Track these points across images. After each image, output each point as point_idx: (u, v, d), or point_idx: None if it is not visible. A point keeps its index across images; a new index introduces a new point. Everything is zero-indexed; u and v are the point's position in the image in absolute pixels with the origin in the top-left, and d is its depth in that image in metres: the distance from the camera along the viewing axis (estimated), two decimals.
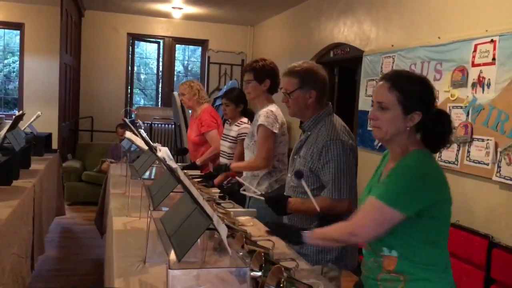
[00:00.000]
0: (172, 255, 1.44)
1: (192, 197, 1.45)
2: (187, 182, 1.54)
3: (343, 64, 5.93)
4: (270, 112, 2.89)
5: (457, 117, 3.49)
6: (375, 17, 4.83)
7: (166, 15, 8.22)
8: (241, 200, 3.06)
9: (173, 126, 8.51)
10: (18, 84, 8.51)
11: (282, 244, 2.23)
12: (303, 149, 2.33)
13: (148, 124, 8.52)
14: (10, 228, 2.46)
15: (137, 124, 3.31)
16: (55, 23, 6.54)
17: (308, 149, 2.29)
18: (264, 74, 2.96)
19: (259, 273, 1.65)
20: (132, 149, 3.48)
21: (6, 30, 9.08)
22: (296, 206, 2.25)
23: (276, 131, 2.86)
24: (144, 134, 2.69)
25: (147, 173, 2.97)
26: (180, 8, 7.62)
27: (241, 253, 1.73)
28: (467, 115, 3.40)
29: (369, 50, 4.82)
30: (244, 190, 2.84)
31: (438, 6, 3.88)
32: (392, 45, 4.42)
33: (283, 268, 1.54)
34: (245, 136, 3.38)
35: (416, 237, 1.66)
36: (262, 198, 2.40)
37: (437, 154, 3.65)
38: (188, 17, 8.29)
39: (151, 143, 2.51)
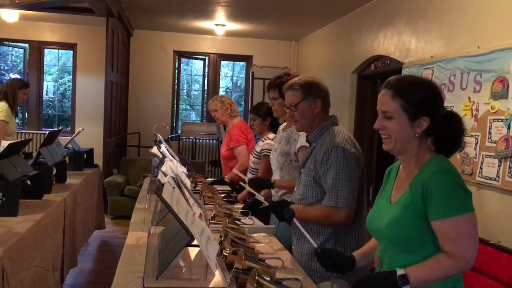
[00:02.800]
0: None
1: (173, 214, 1.41)
2: (175, 199, 1.50)
3: (384, 77, 5.75)
4: None
5: (498, 131, 3.27)
6: (414, 28, 4.66)
7: (210, 32, 8.35)
8: (265, 217, 2.99)
9: (216, 141, 8.58)
10: (71, 101, 8.90)
11: (293, 263, 2.15)
12: (309, 160, 2.31)
13: (192, 140, 8.64)
14: (30, 241, 2.51)
15: (157, 140, 3.33)
16: (103, 42, 6.79)
17: (312, 159, 2.27)
18: None
19: None
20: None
21: (62, 51, 9.55)
22: (296, 213, 2.19)
23: None
24: (163, 149, 2.70)
25: None
26: (223, 25, 7.70)
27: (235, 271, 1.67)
28: (508, 129, 3.18)
29: (408, 62, 4.65)
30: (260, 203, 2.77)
31: (478, 15, 3.68)
32: (432, 56, 4.23)
33: None
34: (267, 152, 3.32)
35: (433, 250, 1.56)
36: (266, 204, 2.43)
37: (477, 171, 3.44)
38: (231, 34, 8.37)
39: (168, 156, 2.51)
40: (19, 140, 4.16)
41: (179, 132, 9.04)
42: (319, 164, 2.20)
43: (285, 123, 3.08)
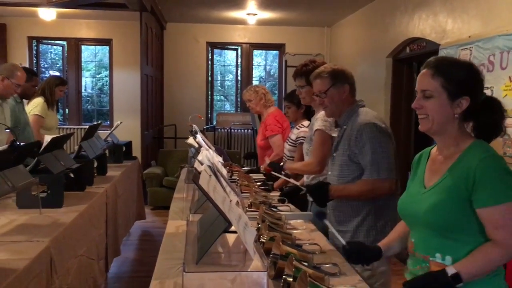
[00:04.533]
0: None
1: (211, 201, 1.44)
2: (212, 186, 1.53)
3: (420, 59, 5.64)
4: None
5: None
6: (450, 8, 4.53)
7: (242, 22, 8.35)
8: (302, 204, 3.00)
9: (251, 131, 8.61)
10: (108, 96, 9.11)
11: (331, 248, 2.15)
12: (341, 143, 2.39)
13: (227, 130, 8.70)
14: (76, 231, 2.61)
15: (193, 130, 3.37)
16: (137, 37, 6.91)
17: (345, 141, 2.35)
18: None
19: (291, 278, 1.60)
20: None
21: (99, 47, 9.77)
22: (337, 192, 2.31)
23: (335, 134, 2.79)
24: (199, 139, 2.74)
25: None
26: (255, 14, 7.69)
27: (275, 257, 1.69)
28: None
29: (445, 43, 4.53)
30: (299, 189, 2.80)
31: None
32: (469, 36, 4.11)
33: (308, 274, 1.47)
34: (302, 140, 3.32)
35: (477, 237, 1.53)
36: (303, 189, 2.47)
37: None
38: (263, 22, 8.35)
39: (204, 146, 2.55)
40: (61, 134, 4.30)
41: (214, 122, 9.13)
42: (353, 143, 2.29)
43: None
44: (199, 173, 1.53)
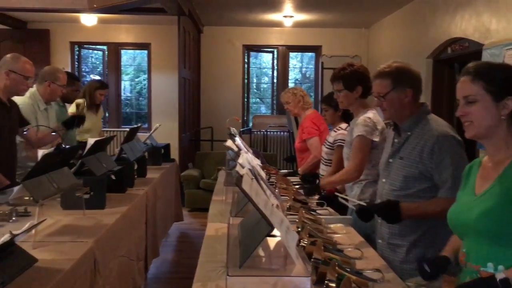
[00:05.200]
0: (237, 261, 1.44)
1: (254, 205, 1.44)
2: (254, 189, 1.53)
3: (462, 60, 5.49)
4: (368, 120, 2.77)
5: None
6: (495, 7, 4.40)
7: (278, 24, 8.36)
8: (340, 207, 2.97)
9: (287, 133, 8.59)
10: (147, 99, 9.28)
11: (373, 254, 2.12)
12: (404, 151, 2.20)
13: (263, 132, 8.71)
14: (118, 233, 2.66)
15: (231, 133, 3.39)
16: (175, 41, 7.01)
17: (412, 150, 2.16)
18: (354, 80, 2.84)
19: (334, 284, 1.58)
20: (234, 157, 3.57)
21: (137, 51, 9.97)
22: (410, 212, 2.09)
23: (376, 139, 2.75)
24: (238, 142, 2.75)
25: None
26: (291, 16, 7.68)
27: (316, 262, 1.67)
28: None
29: (489, 43, 4.40)
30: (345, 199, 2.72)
31: None
32: None
33: (351, 280, 1.44)
34: (340, 142, 3.28)
35: None
36: (365, 205, 2.28)
37: None
38: (299, 24, 8.33)
39: (243, 149, 2.55)
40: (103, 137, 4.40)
41: (250, 125, 9.16)
42: (427, 155, 2.09)
43: None
44: (241, 176, 1.53)
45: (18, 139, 3.31)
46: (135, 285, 3.04)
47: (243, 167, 1.74)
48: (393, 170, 2.24)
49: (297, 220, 2.20)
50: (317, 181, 3.12)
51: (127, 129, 8.16)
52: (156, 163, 4.79)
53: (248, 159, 1.93)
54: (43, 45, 8.35)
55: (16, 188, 2.19)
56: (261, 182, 1.91)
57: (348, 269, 1.69)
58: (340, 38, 8.72)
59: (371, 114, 2.82)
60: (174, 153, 6.33)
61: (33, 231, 2.03)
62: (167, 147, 5.40)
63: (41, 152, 2.29)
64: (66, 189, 2.51)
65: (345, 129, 3.45)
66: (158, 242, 4.05)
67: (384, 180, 2.31)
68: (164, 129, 6.39)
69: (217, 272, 1.83)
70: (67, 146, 2.98)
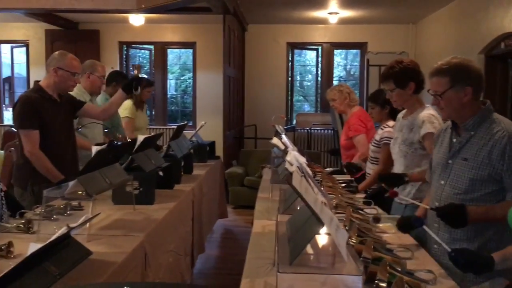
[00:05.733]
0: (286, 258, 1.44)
1: (305, 202, 1.43)
2: (303, 187, 1.52)
3: None
4: (433, 117, 2.69)
5: None
6: None
7: (322, 21, 8.29)
8: (389, 207, 2.92)
9: (331, 131, 8.51)
10: (192, 97, 9.41)
11: (423, 254, 2.07)
12: (467, 151, 2.10)
13: (307, 130, 8.66)
14: (167, 228, 2.71)
15: (278, 130, 3.38)
16: (220, 39, 7.08)
17: (479, 151, 2.06)
18: (406, 77, 2.75)
19: (385, 284, 1.55)
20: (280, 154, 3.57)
21: (183, 50, 10.14)
22: (477, 216, 2.00)
23: None
24: (285, 139, 2.75)
25: None
26: (336, 13, 7.60)
27: (366, 261, 1.65)
28: None
29: None
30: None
31: None
32: None
33: (405, 280, 1.42)
34: (387, 140, 3.22)
35: None
36: (427, 207, 2.21)
37: None
38: (345, 21, 8.23)
39: (289, 147, 2.55)
40: (151, 134, 4.50)
41: (294, 123, 9.13)
42: (498, 157, 2.00)
43: (404, 111, 2.96)
44: (291, 173, 1.53)
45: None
46: (182, 280, 3.09)
47: (291, 165, 1.74)
48: (455, 172, 2.13)
49: (344, 219, 2.18)
50: (364, 173, 3.05)
51: (173, 127, 8.35)
52: (201, 160, 4.85)
53: (296, 157, 1.92)
54: (93, 45, 8.61)
55: (71, 183, 2.27)
56: (309, 179, 1.91)
57: (399, 269, 1.66)
58: (386, 34, 8.55)
59: (432, 111, 2.74)
60: (219, 151, 6.40)
61: (87, 224, 2.10)
62: (212, 144, 5.47)
63: (95, 149, 2.36)
64: (117, 184, 2.59)
65: (392, 127, 3.39)
66: (203, 238, 4.10)
67: (442, 182, 2.19)
68: (209, 127, 6.46)
69: (265, 268, 1.84)
70: (119, 143, 3.06)
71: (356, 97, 4.25)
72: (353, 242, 1.89)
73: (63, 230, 1.67)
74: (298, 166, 1.78)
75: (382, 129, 3.45)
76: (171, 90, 10.38)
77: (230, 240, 5.40)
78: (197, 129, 5.23)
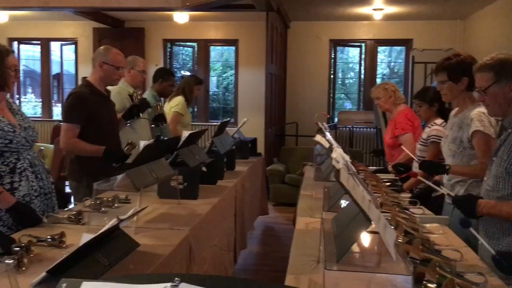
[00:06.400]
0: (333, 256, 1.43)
1: (353, 199, 1.42)
2: (351, 184, 1.51)
3: None
4: (483, 115, 2.62)
5: None
6: None
7: (367, 18, 8.16)
8: (435, 207, 2.85)
9: (374, 130, 8.38)
10: (233, 94, 9.48)
11: (473, 256, 2.01)
12: (501, 148, 2.09)
13: (349, 128, 8.56)
14: (210, 222, 2.75)
15: (322, 128, 3.36)
16: (263, 37, 7.09)
17: (506, 148, 2.04)
18: (460, 71, 2.68)
19: (433, 285, 1.52)
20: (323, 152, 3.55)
21: (225, 47, 10.21)
22: (486, 209, 2.02)
23: (493, 136, 2.60)
24: (329, 137, 2.73)
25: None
26: (381, 9, 7.48)
27: (414, 260, 1.62)
28: None
29: None
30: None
31: None
32: None
33: (456, 281, 1.38)
34: (434, 138, 3.14)
35: None
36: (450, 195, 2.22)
37: None
38: (389, 17, 8.07)
39: (334, 144, 2.53)
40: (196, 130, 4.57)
41: (336, 121, 9.04)
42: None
43: (456, 109, 2.88)
44: (338, 170, 1.51)
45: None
46: (225, 275, 3.12)
47: (337, 162, 1.72)
48: (492, 168, 2.13)
49: (389, 218, 2.14)
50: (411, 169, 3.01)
51: (214, 124, 8.43)
52: (243, 156, 4.88)
53: (341, 154, 1.91)
54: (139, 43, 8.80)
55: (119, 176, 2.33)
56: (354, 177, 1.89)
57: (448, 270, 1.62)
58: (433, 31, 8.34)
59: (483, 108, 2.66)
60: (260, 148, 6.42)
61: (135, 217, 2.15)
62: (254, 141, 5.50)
63: (142, 143, 2.42)
64: (163, 178, 2.64)
65: (440, 125, 3.30)
66: (245, 234, 4.13)
67: (486, 178, 2.20)
68: (250, 124, 6.49)
69: (310, 265, 1.83)
70: (165, 138, 3.11)
71: (402, 95, 4.16)
72: (400, 241, 1.86)
73: (113, 222, 1.72)
74: (344, 164, 1.76)
75: (429, 127, 3.37)
76: (212, 87, 10.48)
77: (271, 237, 5.41)
78: (239, 126, 5.26)
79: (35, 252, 1.82)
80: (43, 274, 1.46)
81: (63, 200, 2.68)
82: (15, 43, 9.52)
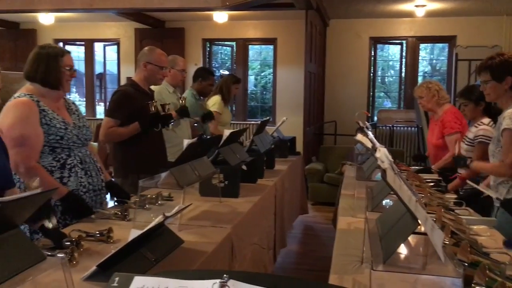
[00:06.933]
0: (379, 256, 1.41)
1: (400, 199, 1.40)
2: (397, 184, 1.49)
3: None
4: None
5: None
6: None
7: (408, 15, 8.00)
8: (481, 208, 2.77)
9: (415, 129, 8.21)
10: (272, 93, 9.48)
11: None
12: None
13: (389, 127, 8.42)
14: (251, 221, 2.76)
15: (364, 127, 3.31)
16: (301, 35, 7.06)
17: None
18: (503, 71, 2.60)
19: None
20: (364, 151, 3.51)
21: (263, 46, 10.22)
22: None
23: None
24: (371, 136, 2.69)
25: (378, 175, 2.96)
26: (424, 6, 7.32)
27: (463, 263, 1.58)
28: None
29: None
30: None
31: None
32: None
33: (507, 285, 1.34)
34: (482, 138, 3.05)
35: None
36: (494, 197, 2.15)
37: None
38: (432, 14, 7.89)
39: (376, 144, 2.50)
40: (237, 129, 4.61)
41: (375, 119, 8.91)
42: None
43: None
44: (384, 170, 1.50)
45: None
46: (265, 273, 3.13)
47: (382, 162, 1.70)
48: None
49: (435, 219, 2.10)
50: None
51: (253, 122, 8.46)
52: (282, 155, 4.88)
53: (386, 154, 1.88)
54: (179, 43, 8.93)
55: (163, 174, 2.38)
56: (400, 177, 1.86)
57: (498, 274, 1.58)
58: (478, 27, 8.09)
59: None
60: (299, 147, 6.39)
61: (179, 214, 2.19)
62: (293, 140, 5.48)
63: (186, 142, 2.46)
64: (205, 177, 2.67)
65: (487, 124, 3.21)
66: (285, 233, 4.13)
67: None
68: (288, 123, 6.49)
69: (353, 265, 1.82)
70: (208, 137, 3.15)
71: (446, 94, 4.05)
72: (446, 243, 1.82)
73: (159, 218, 1.76)
74: (389, 163, 1.74)
75: (476, 126, 3.28)
76: (250, 86, 10.51)
77: (310, 236, 5.39)
78: (278, 124, 5.26)
79: (84, 247, 1.88)
80: (94, 268, 1.51)
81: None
82: (61, 44, 9.83)
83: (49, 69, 2.42)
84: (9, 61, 9.07)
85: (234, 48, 9.50)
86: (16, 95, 2.44)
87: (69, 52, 2.53)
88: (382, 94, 10.86)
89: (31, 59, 2.47)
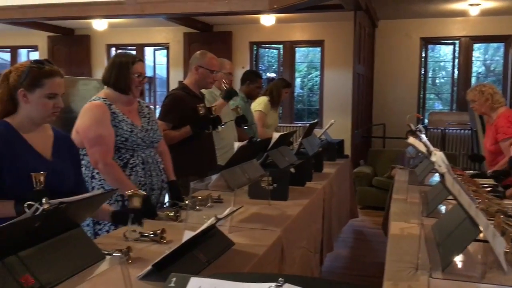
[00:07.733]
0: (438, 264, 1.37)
1: (460, 204, 1.35)
2: (456, 189, 1.44)
3: None
4: None
5: None
6: None
7: (461, 14, 7.75)
8: None
9: (469, 131, 7.93)
10: (319, 95, 9.41)
11: None
12: None
13: (441, 130, 8.18)
14: (300, 224, 2.75)
15: (417, 130, 3.23)
16: (349, 37, 6.98)
17: None
18: None
19: None
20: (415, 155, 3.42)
21: (310, 48, 10.18)
22: None
23: None
24: (425, 139, 2.62)
25: (432, 179, 2.88)
26: (478, 4, 7.07)
27: None
28: None
29: None
30: None
31: None
32: None
33: None
34: None
35: None
36: None
37: None
38: (487, 13, 7.60)
39: (431, 147, 2.42)
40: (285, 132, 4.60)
41: (426, 122, 8.68)
42: None
43: None
44: (442, 175, 1.45)
45: None
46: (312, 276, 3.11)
47: (439, 166, 1.65)
48: None
49: (494, 225, 2.01)
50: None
51: (300, 125, 8.43)
52: (330, 158, 4.82)
53: (442, 158, 1.82)
54: (226, 46, 9.01)
55: (214, 176, 2.40)
56: (458, 183, 1.80)
57: None
58: None
59: None
60: (346, 150, 6.31)
61: (230, 216, 2.20)
62: (341, 143, 5.42)
63: (236, 145, 2.48)
64: (255, 179, 2.68)
65: None
66: (333, 237, 4.08)
67: None
68: (336, 125, 6.41)
69: (407, 272, 1.77)
70: (258, 140, 3.16)
71: (501, 98, 3.87)
72: (506, 251, 1.75)
73: (211, 220, 1.78)
74: (447, 168, 1.68)
75: None
76: (297, 89, 10.48)
77: (358, 241, 5.30)
78: (326, 127, 5.21)
79: (138, 247, 1.92)
80: (149, 267, 1.54)
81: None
82: (113, 49, 10.14)
83: (120, 75, 2.62)
84: (64, 66, 9.36)
85: (281, 50, 9.50)
86: (92, 98, 2.66)
87: (141, 60, 2.68)
88: (432, 96, 10.57)
89: (107, 65, 2.71)
